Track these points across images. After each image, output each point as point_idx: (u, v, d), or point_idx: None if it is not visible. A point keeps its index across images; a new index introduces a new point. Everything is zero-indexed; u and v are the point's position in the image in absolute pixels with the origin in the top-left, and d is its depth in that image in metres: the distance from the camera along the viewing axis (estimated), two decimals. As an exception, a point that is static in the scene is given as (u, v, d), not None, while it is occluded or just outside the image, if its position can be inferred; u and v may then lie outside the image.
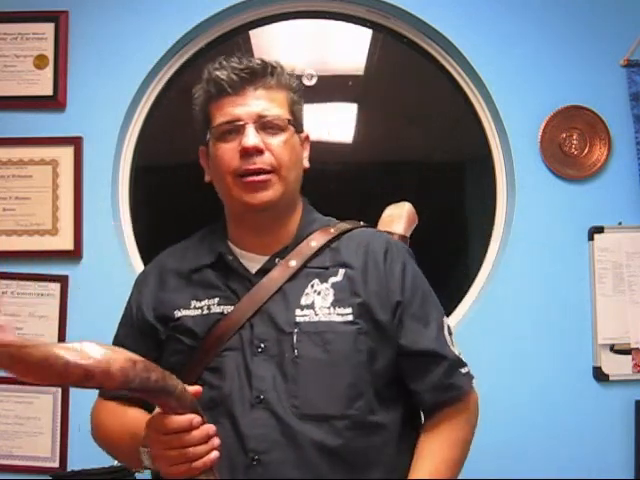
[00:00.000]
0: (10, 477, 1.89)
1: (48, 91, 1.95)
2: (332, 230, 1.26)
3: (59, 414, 1.89)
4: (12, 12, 1.97)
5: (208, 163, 1.29)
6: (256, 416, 1.11)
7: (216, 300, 1.19)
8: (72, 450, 1.89)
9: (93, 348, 0.90)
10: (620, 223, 1.97)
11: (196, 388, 1.04)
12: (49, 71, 1.96)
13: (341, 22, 2.13)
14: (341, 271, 1.20)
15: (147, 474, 1.81)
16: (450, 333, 1.24)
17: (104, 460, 1.79)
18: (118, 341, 1.26)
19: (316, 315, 1.16)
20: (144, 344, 1.19)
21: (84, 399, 1.89)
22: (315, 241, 1.23)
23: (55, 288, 1.91)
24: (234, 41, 2.12)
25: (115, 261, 1.92)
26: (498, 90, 2.00)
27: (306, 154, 1.28)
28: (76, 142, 1.94)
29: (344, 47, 2.20)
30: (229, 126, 1.19)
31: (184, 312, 1.20)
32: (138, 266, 2.04)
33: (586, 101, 1.98)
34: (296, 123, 1.24)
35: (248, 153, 1.17)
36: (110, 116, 1.97)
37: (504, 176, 2.07)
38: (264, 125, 1.19)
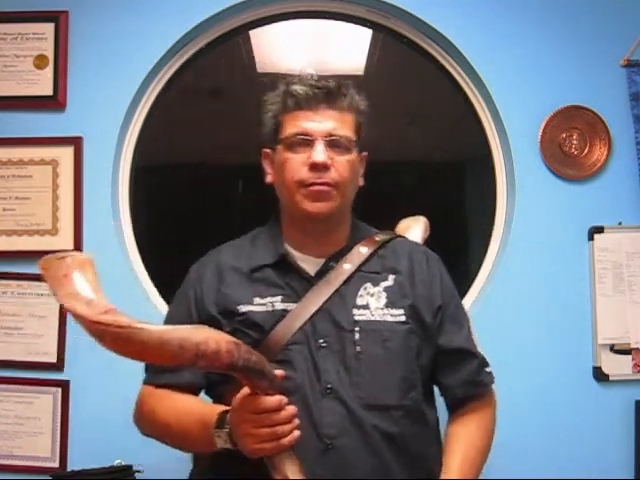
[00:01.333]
0: (10, 477, 1.89)
1: (48, 91, 1.95)
2: (377, 238, 1.39)
3: (59, 414, 1.89)
4: (12, 12, 1.97)
5: (272, 166, 1.37)
6: (327, 405, 1.22)
7: (279, 297, 1.29)
8: (72, 450, 1.89)
9: (202, 331, 0.99)
10: (620, 223, 1.97)
11: (280, 372, 1.14)
12: (49, 71, 1.96)
13: (341, 22, 2.13)
14: (391, 276, 1.33)
15: (147, 474, 1.81)
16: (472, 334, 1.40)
17: (104, 460, 1.80)
18: None
19: (372, 315, 1.29)
20: None
21: (84, 399, 1.90)
22: (365, 248, 1.36)
23: (55, 288, 1.91)
24: (234, 41, 2.12)
25: (115, 261, 1.92)
26: (498, 90, 2.00)
27: (362, 172, 1.40)
28: (76, 142, 1.94)
29: (344, 47, 2.20)
30: (300, 139, 1.29)
31: (249, 307, 1.29)
32: (138, 266, 2.04)
33: (586, 101, 1.99)
34: (359, 144, 1.34)
35: (316, 167, 1.27)
36: (110, 116, 1.97)
37: (504, 176, 2.07)
38: (332, 143, 1.29)
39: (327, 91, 1.30)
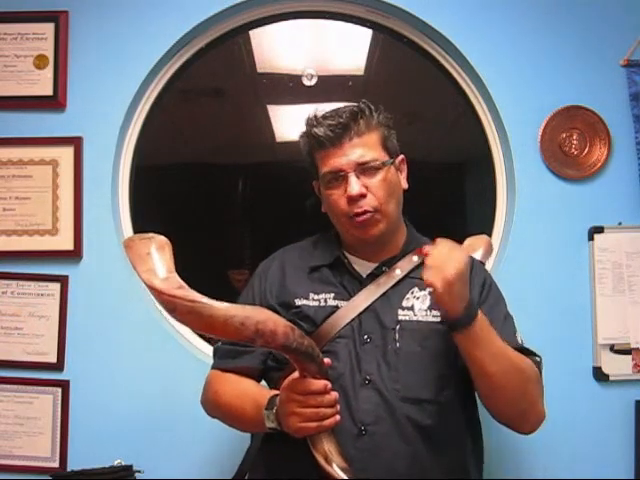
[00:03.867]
0: (10, 477, 1.89)
1: (48, 91, 1.95)
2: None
3: (59, 414, 1.89)
4: (12, 12, 1.97)
5: (321, 196, 1.50)
6: (365, 394, 1.33)
7: (332, 295, 1.42)
8: (72, 450, 1.89)
9: (261, 312, 1.11)
10: (620, 223, 1.97)
11: (327, 360, 1.25)
12: (49, 71, 1.96)
13: (341, 22, 2.13)
14: None
15: (147, 474, 1.82)
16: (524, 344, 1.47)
17: (104, 460, 1.80)
18: None
19: (415, 316, 1.39)
20: None
21: (84, 399, 1.90)
22: (417, 257, 1.45)
23: (55, 288, 1.91)
24: (234, 41, 2.12)
25: (115, 261, 1.92)
26: (498, 90, 2.00)
27: (404, 175, 1.50)
28: (76, 142, 1.94)
29: (344, 47, 2.20)
30: (334, 176, 1.41)
31: (304, 301, 1.42)
32: (138, 266, 2.04)
33: (586, 101, 1.98)
34: (390, 154, 1.45)
35: (354, 199, 1.38)
36: (110, 116, 1.97)
37: (504, 176, 2.07)
38: (363, 170, 1.40)
39: (343, 126, 1.40)
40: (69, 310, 1.92)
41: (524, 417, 1.43)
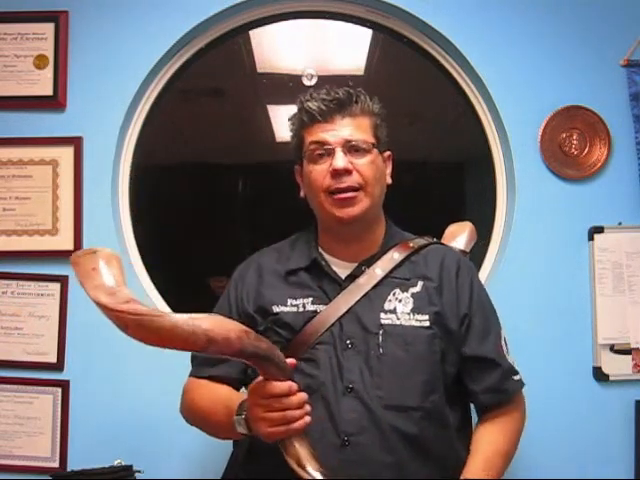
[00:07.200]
0: (10, 477, 1.89)
1: (48, 91, 1.95)
2: (411, 244, 1.44)
3: (59, 414, 1.89)
4: (12, 12, 1.97)
5: (302, 181, 1.45)
6: (347, 403, 1.28)
7: (310, 299, 1.37)
8: (72, 450, 1.89)
9: (213, 319, 1.06)
10: (620, 223, 1.97)
11: (292, 360, 1.20)
12: (49, 71, 1.96)
13: (341, 22, 2.13)
14: (420, 283, 1.38)
15: (147, 474, 1.81)
16: (506, 344, 1.44)
17: (104, 460, 1.80)
18: None
19: (398, 319, 1.33)
20: None
21: (84, 399, 1.90)
22: (397, 253, 1.41)
23: (55, 288, 1.91)
24: (234, 41, 2.12)
25: (115, 261, 1.91)
26: (498, 90, 2.00)
27: (389, 171, 1.47)
28: (76, 142, 1.94)
29: (344, 47, 2.20)
30: (320, 149, 1.36)
31: (282, 308, 1.37)
32: (138, 266, 2.04)
33: (586, 101, 1.98)
34: (379, 144, 1.41)
35: (338, 173, 1.34)
36: (110, 116, 1.97)
37: (504, 176, 2.07)
38: (351, 148, 1.36)
39: (338, 102, 1.37)
40: (69, 310, 1.92)
41: None
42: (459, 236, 1.72)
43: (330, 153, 1.35)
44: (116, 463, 1.80)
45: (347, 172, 1.34)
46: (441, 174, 2.22)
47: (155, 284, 2.05)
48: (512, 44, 1.99)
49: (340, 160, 1.34)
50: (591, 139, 1.99)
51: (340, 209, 1.35)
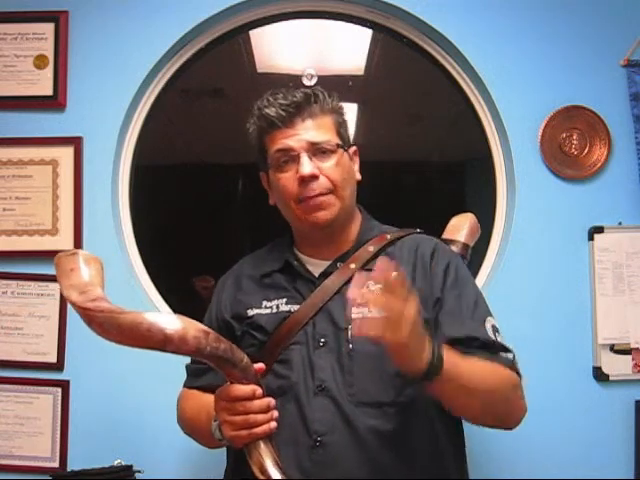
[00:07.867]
0: (10, 477, 1.89)
1: (48, 91, 1.95)
2: (388, 236, 1.40)
3: (59, 414, 1.89)
4: (12, 12, 1.97)
5: (270, 189, 1.43)
6: (318, 402, 1.25)
7: (284, 300, 1.35)
8: (72, 450, 1.89)
9: (172, 318, 1.07)
10: (620, 223, 1.97)
11: (260, 365, 1.18)
12: (49, 71, 1.96)
13: (341, 22, 2.13)
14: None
15: (147, 474, 1.81)
16: (497, 332, 1.33)
17: (104, 460, 1.80)
18: None
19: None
20: None
21: (84, 399, 1.90)
22: (372, 246, 1.37)
23: (55, 288, 1.91)
24: (234, 41, 2.12)
25: (115, 261, 1.92)
26: (498, 90, 2.00)
27: (356, 167, 1.43)
28: (76, 142, 1.94)
29: (344, 47, 2.20)
30: (285, 156, 1.33)
31: (256, 311, 1.36)
32: (138, 266, 2.04)
33: (586, 101, 1.98)
34: (343, 142, 1.38)
35: (305, 180, 1.31)
36: (110, 116, 1.97)
37: (504, 176, 2.06)
38: (316, 151, 1.33)
39: (297, 105, 1.34)
40: (69, 310, 1.91)
41: (507, 421, 1.31)
42: (460, 229, 1.67)
43: (295, 159, 1.32)
44: (116, 463, 1.80)
45: (315, 178, 1.31)
46: (441, 174, 2.23)
47: (155, 284, 2.05)
48: (512, 44, 1.99)
49: (306, 166, 1.31)
50: (591, 139, 1.99)
51: (312, 214, 1.33)
